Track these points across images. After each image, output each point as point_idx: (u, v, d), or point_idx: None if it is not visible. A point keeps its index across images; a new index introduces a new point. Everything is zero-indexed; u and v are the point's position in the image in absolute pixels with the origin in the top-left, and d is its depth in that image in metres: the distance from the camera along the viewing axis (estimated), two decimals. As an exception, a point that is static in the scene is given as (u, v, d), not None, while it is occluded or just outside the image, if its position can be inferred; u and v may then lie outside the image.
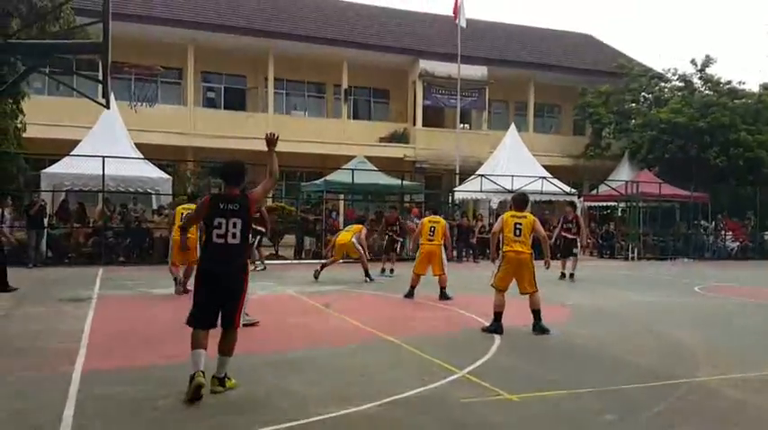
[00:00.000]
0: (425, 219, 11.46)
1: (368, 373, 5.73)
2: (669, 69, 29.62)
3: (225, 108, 26.30)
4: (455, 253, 19.88)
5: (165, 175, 18.38)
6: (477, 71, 27.31)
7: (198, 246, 9.56)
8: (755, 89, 28.34)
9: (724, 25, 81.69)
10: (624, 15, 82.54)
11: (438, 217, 11.35)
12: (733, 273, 17.57)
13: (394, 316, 9.20)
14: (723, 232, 24.30)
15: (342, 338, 7.35)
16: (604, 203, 26.29)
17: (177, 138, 23.69)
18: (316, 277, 12.96)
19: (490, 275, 8.07)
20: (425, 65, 26.91)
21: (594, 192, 25.68)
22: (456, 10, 24.86)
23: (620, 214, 25.84)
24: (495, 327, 7.62)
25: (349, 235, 13.35)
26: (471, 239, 20.20)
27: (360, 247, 13.20)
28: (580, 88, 29.33)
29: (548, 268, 8.26)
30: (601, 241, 23.99)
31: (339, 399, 4.87)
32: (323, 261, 14.11)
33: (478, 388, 5.31)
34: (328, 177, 20.81)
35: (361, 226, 13.85)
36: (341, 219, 22.59)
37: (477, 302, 10.12)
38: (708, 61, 28.47)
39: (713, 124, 25.17)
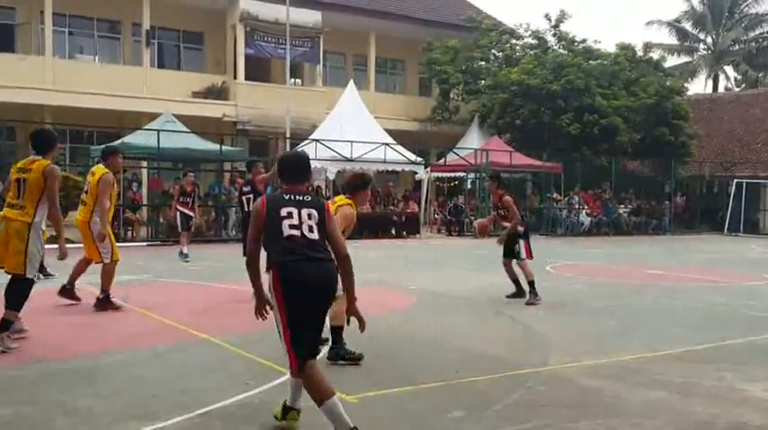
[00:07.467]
0: None
1: (177, 380, 5.58)
2: (521, 24, 31.49)
3: (-13, 49, 24.05)
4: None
5: None
6: (310, 16, 27.19)
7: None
8: (611, 49, 30.42)
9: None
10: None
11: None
12: (582, 252, 19.23)
13: (210, 309, 9.04)
14: (578, 206, 26.30)
15: (145, 339, 7.08)
16: (452, 174, 27.46)
17: None
18: None
19: None
20: (247, 5, 26.31)
21: (442, 161, 26.68)
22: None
23: (468, 186, 27.12)
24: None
25: None
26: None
27: None
28: (426, 42, 30.22)
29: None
30: (449, 216, 25.11)
31: (139, 414, 4.70)
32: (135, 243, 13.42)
33: (311, 390, 5.36)
34: (126, 139, 19.77)
35: None
36: (144, 190, 21.65)
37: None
38: (562, 16, 30.52)
39: (567, 87, 26.79)
